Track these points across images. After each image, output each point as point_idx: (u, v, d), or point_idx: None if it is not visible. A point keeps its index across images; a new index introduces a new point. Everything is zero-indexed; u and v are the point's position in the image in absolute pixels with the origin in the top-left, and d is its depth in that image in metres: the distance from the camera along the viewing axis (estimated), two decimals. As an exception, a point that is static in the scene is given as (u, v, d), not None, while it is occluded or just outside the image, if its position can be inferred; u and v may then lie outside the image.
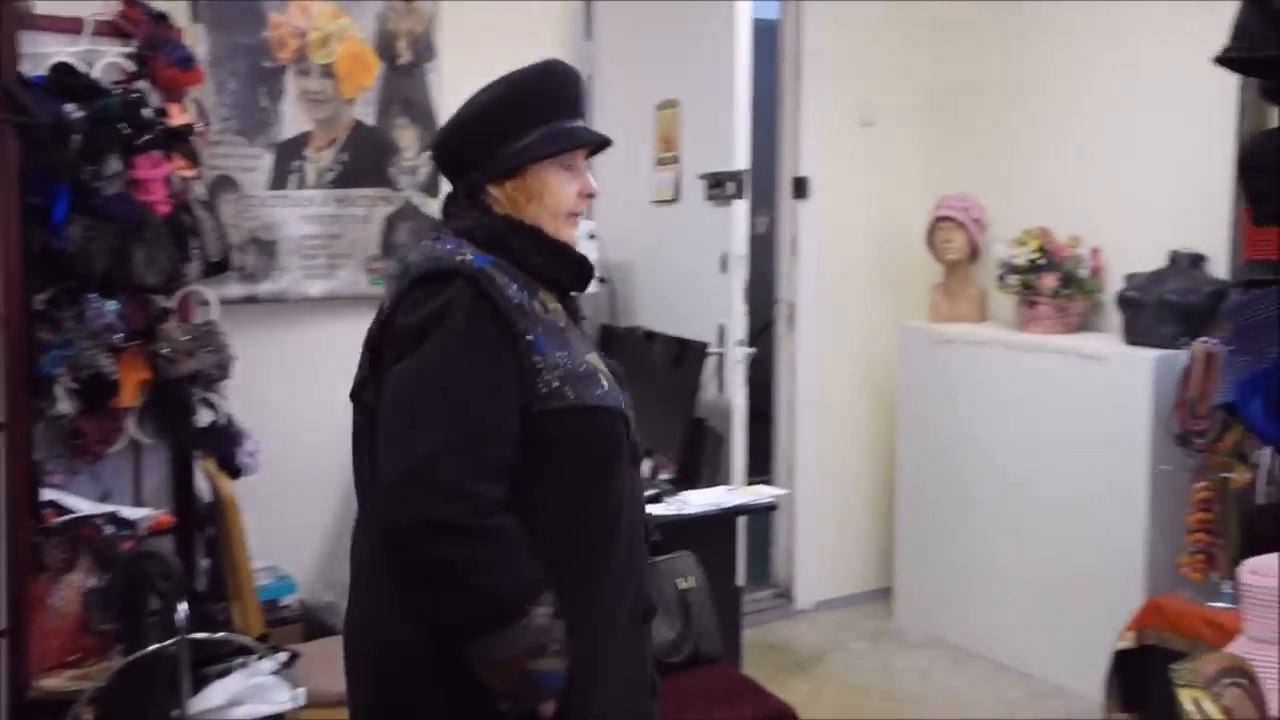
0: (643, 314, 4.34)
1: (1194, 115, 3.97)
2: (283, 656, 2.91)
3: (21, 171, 2.89)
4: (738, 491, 3.73)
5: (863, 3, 4.81)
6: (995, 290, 4.50)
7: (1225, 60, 2.22)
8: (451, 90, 4.03)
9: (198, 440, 3.39)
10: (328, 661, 3.07)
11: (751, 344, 3.99)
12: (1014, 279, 4.30)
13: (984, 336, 4.43)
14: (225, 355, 3.40)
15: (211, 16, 3.68)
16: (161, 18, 3.29)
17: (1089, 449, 3.98)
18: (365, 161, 4.00)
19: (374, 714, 1.77)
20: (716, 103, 3.87)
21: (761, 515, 4.24)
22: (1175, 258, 3.97)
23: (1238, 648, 2.13)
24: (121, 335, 3.13)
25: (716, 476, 3.85)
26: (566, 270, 1.77)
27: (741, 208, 3.84)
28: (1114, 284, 4.17)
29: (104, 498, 3.27)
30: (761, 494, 3.79)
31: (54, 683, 2.82)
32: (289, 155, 3.87)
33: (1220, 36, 2.58)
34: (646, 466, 3.65)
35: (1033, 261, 4.25)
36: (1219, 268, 3.89)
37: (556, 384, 1.65)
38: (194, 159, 3.34)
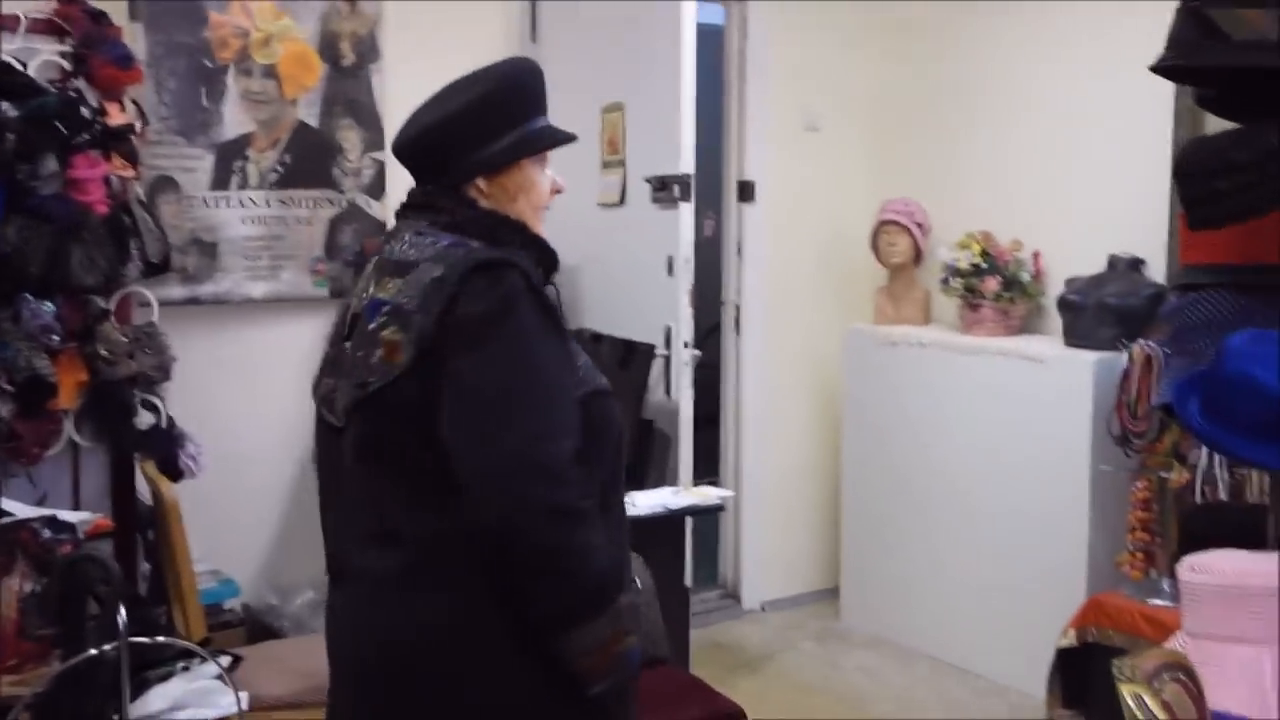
0: (589, 316, 4.34)
1: (1132, 121, 4.03)
2: (225, 661, 2.87)
3: (-45, 171, 2.85)
4: (685, 493, 3.74)
5: (806, 8, 4.84)
6: (939, 293, 4.55)
7: (1161, 69, 2.25)
8: (396, 92, 4.01)
9: (138, 443, 3.34)
10: (270, 665, 3.06)
11: (699, 346, 4.00)
12: (957, 282, 4.35)
13: (928, 339, 4.47)
14: (166, 357, 3.36)
15: (150, 15, 3.64)
16: (99, 16, 3.25)
17: (1031, 450, 4.03)
18: (308, 163, 3.96)
19: None
20: (662, 106, 3.87)
21: (709, 516, 4.25)
22: (1114, 261, 4.03)
23: (1177, 643, 2.16)
24: (59, 337, 3.09)
25: (664, 478, 3.86)
26: (544, 263, 1.79)
27: (687, 211, 3.85)
28: (1055, 287, 4.23)
29: (41, 501, 3.22)
30: (708, 495, 3.80)
31: (-10, 689, 2.77)
32: (231, 156, 3.83)
33: (1157, 45, 2.62)
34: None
35: (975, 265, 4.30)
36: (1157, 271, 3.95)
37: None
38: (133, 159, 3.30)
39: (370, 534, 1.68)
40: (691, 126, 3.84)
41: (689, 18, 3.78)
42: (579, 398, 1.66)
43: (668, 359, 3.90)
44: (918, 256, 4.67)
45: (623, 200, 4.13)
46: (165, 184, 3.74)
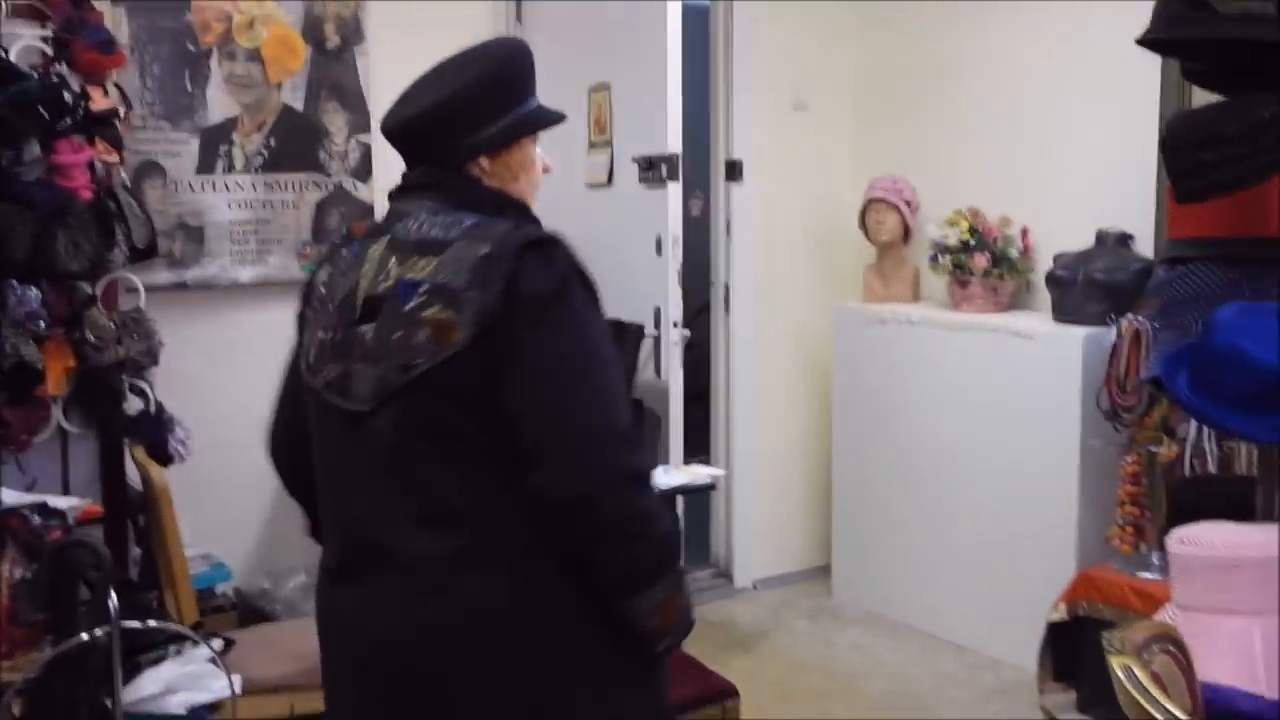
0: (578, 297, 4.32)
1: (1120, 95, 4.03)
2: (217, 644, 2.87)
3: (-62, 157, 2.83)
4: (675, 472, 3.74)
5: (794, -15, 4.83)
6: (928, 270, 4.54)
7: (1147, 42, 2.25)
8: (381, 74, 4.00)
9: (127, 428, 3.34)
10: (263, 648, 3.07)
11: (689, 326, 4.00)
12: (946, 259, 4.35)
13: (917, 316, 4.47)
14: (154, 342, 3.35)
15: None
16: (80, 0, 3.22)
17: (1021, 425, 4.03)
18: (294, 146, 3.95)
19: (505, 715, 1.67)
20: (648, 86, 3.87)
21: (700, 495, 4.26)
22: (1102, 237, 4.03)
23: (1166, 615, 2.17)
24: (46, 323, 3.08)
25: (654, 457, 3.86)
26: None
27: (675, 190, 3.84)
28: (1043, 263, 4.23)
29: (31, 488, 3.21)
30: (699, 474, 3.80)
31: (-17, 675, 2.77)
32: (216, 140, 3.82)
33: (1144, 18, 2.62)
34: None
35: (964, 242, 4.30)
36: (1145, 246, 3.96)
37: None
38: (117, 144, 3.28)
39: (418, 519, 1.65)
40: (678, 106, 3.83)
41: (674, -5, 3.78)
42: None
43: (657, 339, 3.90)
44: (906, 234, 4.67)
45: (610, 180, 4.13)
46: (151, 169, 3.72)
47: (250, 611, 3.74)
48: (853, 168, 4.93)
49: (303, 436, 1.80)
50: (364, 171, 4.06)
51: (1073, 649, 3.41)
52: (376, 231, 1.75)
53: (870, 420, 4.62)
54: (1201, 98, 2.65)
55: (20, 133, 2.99)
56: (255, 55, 3.86)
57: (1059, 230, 4.23)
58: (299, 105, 3.95)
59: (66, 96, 3.10)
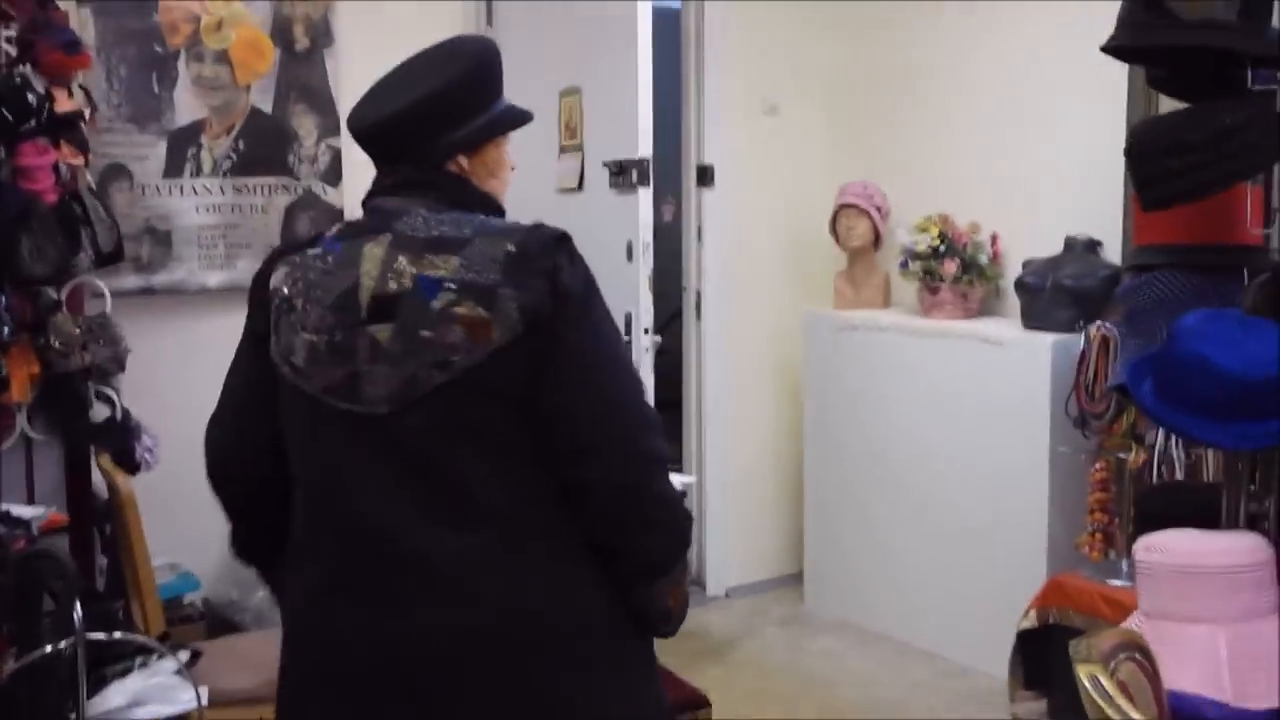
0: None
1: (1088, 102, 4.05)
2: (184, 655, 2.84)
3: (-101, 160, 2.80)
4: (646, 479, 3.72)
5: (765, -9, 4.83)
6: (898, 276, 4.55)
7: (1111, 49, 2.26)
8: (350, 77, 3.97)
9: (93, 435, 3.30)
10: (231, 660, 3.04)
11: (662, 332, 3.99)
12: (916, 265, 4.36)
13: (887, 322, 4.48)
14: (120, 348, 3.31)
15: (99, 0, 3.58)
16: (45, 0, 3.19)
17: (991, 432, 4.05)
18: (263, 149, 3.93)
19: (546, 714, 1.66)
20: (619, 90, 3.85)
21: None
22: (1070, 243, 4.05)
23: (1133, 623, 2.18)
24: (9, 328, 3.04)
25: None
26: None
27: (646, 196, 3.83)
28: (1013, 269, 4.25)
29: (-7, 497, 3.18)
30: (675, 481, 3.78)
31: (-57, 688, 2.73)
32: (184, 143, 3.79)
33: (1111, 26, 2.63)
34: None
35: (934, 248, 4.31)
36: (1114, 252, 3.98)
37: None
38: (83, 147, 3.24)
39: (450, 520, 1.61)
40: (649, 110, 3.81)
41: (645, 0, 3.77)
42: None
43: (629, 345, 3.89)
44: (877, 240, 4.68)
45: (581, 185, 4.11)
46: (117, 172, 3.69)
47: (219, 622, 3.71)
48: (824, 172, 4.94)
49: (266, 446, 1.74)
50: (334, 175, 4.04)
51: (1043, 657, 3.41)
52: (365, 230, 1.69)
53: (841, 427, 4.62)
54: (1168, 105, 2.66)
55: (-17, 135, 2.96)
56: (223, 57, 3.84)
57: (1028, 236, 4.25)
58: (268, 108, 3.93)
59: (30, 98, 3.06)
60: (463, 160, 1.74)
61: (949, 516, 4.22)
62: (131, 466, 3.32)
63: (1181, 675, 1.99)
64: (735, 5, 4.79)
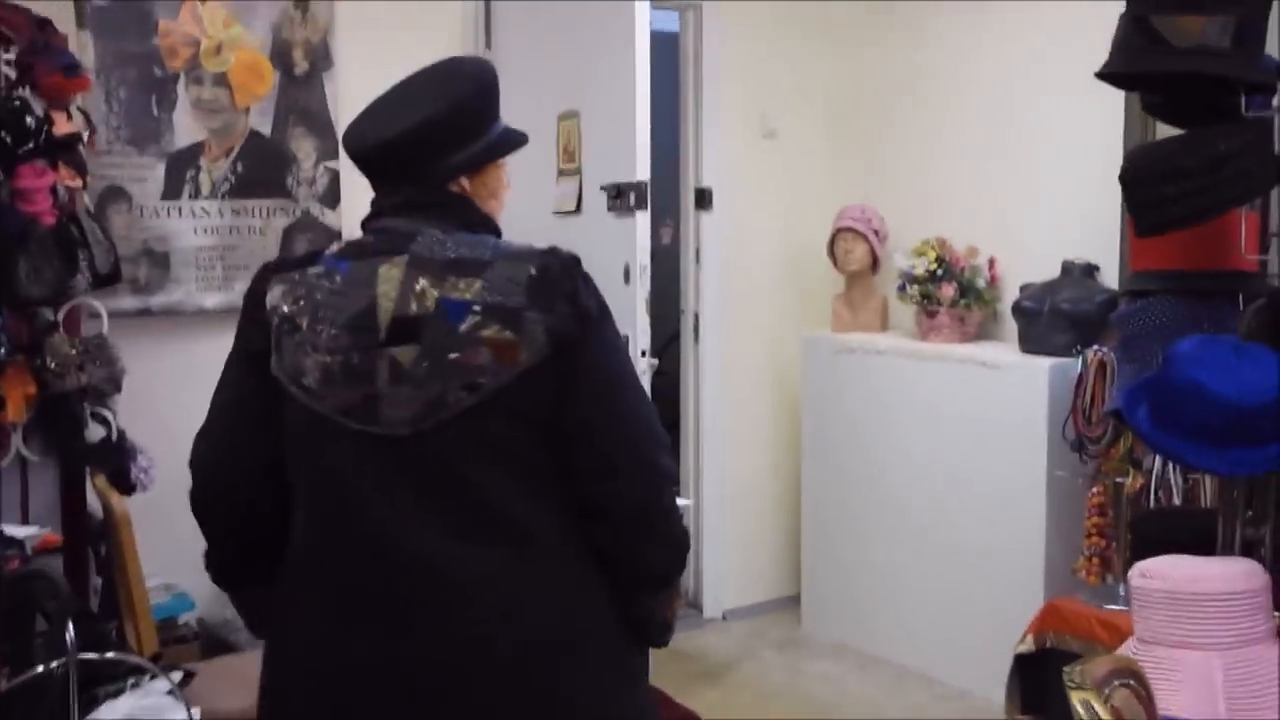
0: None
1: (1084, 127, 4.06)
2: (176, 676, 2.83)
3: (-103, 181, 2.80)
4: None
5: (761, 14, 4.85)
6: (896, 300, 4.56)
7: (1106, 75, 2.27)
8: (349, 100, 3.97)
9: (88, 456, 3.29)
10: (224, 680, 3.03)
11: (660, 355, 3.99)
12: (913, 289, 4.36)
13: (885, 346, 4.48)
14: (116, 369, 3.31)
15: (99, 23, 3.60)
16: (44, 23, 3.20)
17: (988, 456, 4.04)
18: (261, 172, 3.93)
19: None
20: (617, 113, 3.86)
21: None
22: (1068, 267, 4.06)
23: (1128, 649, 2.17)
24: (6, 349, 3.04)
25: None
26: None
27: (643, 219, 3.83)
28: (1010, 294, 4.25)
29: (-11, 517, 3.17)
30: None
31: (-65, 709, 2.72)
32: (182, 165, 3.80)
33: (1108, 51, 2.64)
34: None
35: (931, 272, 4.32)
36: (1111, 277, 3.98)
37: None
38: (81, 169, 3.25)
39: (475, 540, 1.62)
40: (646, 134, 3.82)
41: (643, 24, 3.77)
42: None
43: (626, 366, 3.88)
44: (875, 263, 4.68)
45: (579, 208, 4.11)
46: (116, 194, 3.70)
47: (213, 642, 3.70)
48: (822, 196, 4.95)
49: (258, 465, 1.72)
50: (332, 198, 4.04)
51: (1040, 681, 3.40)
52: (376, 250, 1.68)
53: (839, 450, 4.62)
54: (1165, 131, 2.67)
55: (-18, 157, 2.97)
56: (223, 80, 3.85)
57: (1026, 261, 4.25)
58: (267, 131, 3.94)
59: (29, 120, 3.07)
60: (464, 181, 1.75)
61: (947, 540, 4.21)
62: (126, 487, 3.32)
63: (1177, 701, 1.99)
64: (733, 28, 4.81)
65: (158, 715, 2.75)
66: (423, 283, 1.62)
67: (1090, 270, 4.03)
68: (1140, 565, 2.20)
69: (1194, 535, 2.41)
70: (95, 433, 3.31)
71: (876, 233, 4.66)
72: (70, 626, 2.55)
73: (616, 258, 3.88)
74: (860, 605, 4.57)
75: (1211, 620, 2.05)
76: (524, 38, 4.34)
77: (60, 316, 3.26)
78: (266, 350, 1.70)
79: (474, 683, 1.61)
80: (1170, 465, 3.21)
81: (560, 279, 1.64)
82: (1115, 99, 3.68)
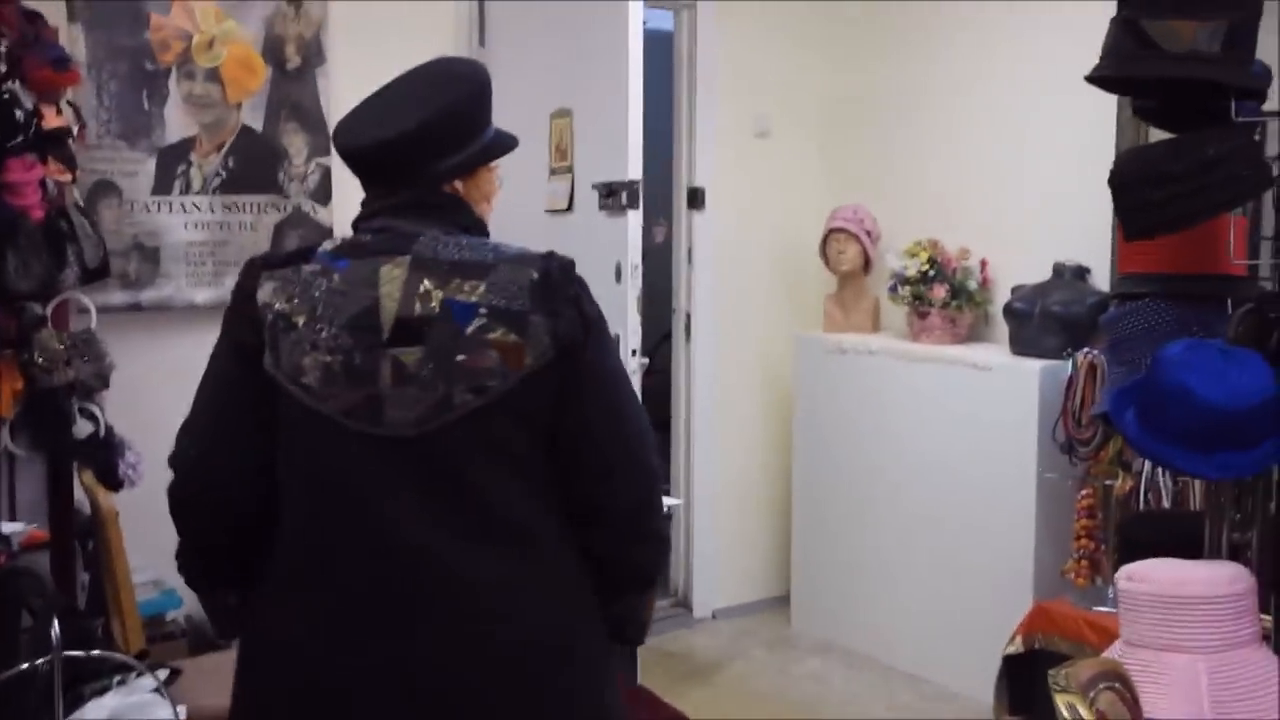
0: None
1: (1077, 129, 4.07)
2: (163, 674, 2.82)
3: (-115, 174, 2.79)
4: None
5: (756, 14, 4.85)
6: (888, 300, 4.56)
7: (1096, 79, 2.26)
8: (342, 96, 3.97)
9: (76, 451, 3.28)
10: (211, 677, 3.01)
11: (653, 354, 3.99)
12: (905, 290, 4.37)
13: (876, 346, 4.48)
14: (104, 364, 3.30)
15: (90, 17, 3.59)
16: (34, 16, 3.18)
17: (978, 457, 4.04)
18: (253, 167, 3.92)
19: None
20: (610, 112, 3.86)
21: (658, 525, 4.23)
22: (1059, 270, 4.06)
23: (1114, 652, 2.17)
24: (-8, 344, 3.03)
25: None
26: None
27: (635, 218, 3.83)
28: (1001, 295, 4.25)
29: (-26, 513, 3.16)
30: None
31: (-81, 706, 2.71)
32: (173, 160, 3.79)
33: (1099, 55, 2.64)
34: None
35: (923, 273, 4.32)
36: (1102, 280, 3.99)
37: None
38: (70, 163, 3.23)
39: (480, 542, 1.62)
40: (639, 133, 3.82)
41: (636, 23, 3.77)
42: None
43: (617, 365, 3.88)
44: (867, 264, 4.69)
45: (570, 207, 4.11)
46: (106, 188, 3.68)
47: (201, 639, 3.68)
48: (815, 196, 4.95)
49: (246, 463, 1.70)
50: (323, 194, 4.03)
51: (1029, 682, 3.40)
52: (377, 250, 1.67)
53: (830, 450, 4.62)
54: (1158, 134, 2.67)
55: (-30, 151, 2.95)
56: (214, 75, 3.84)
57: (1017, 263, 4.26)
58: (258, 126, 3.93)
59: (18, 114, 3.05)
60: (458, 184, 1.75)
61: (936, 541, 4.22)
62: (114, 483, 3.30)
63: (1162, 705, 1.98)
64: (728, 28, 4.81)
65: (143, 713, 2.74)
66: (427, 284, 1.62)
67: (1081, 273, 4.03)
68: (1127, 568, 2.19)
69: (1181, 538, 2.41)
70: (83, 428, 3.29)
71: (869, 233, 4.66)
72: (55, 623, 2.55)
73: (608, 256, 3.88)
74: (850, 605, 4.58)
75: (1197, 624, 2.04)
76: (517, 35, 4.34)
77: (49, 311, 3.25)
78: (257, 346, 1.68)
79: (476, 683, 1.62)
80: (1159, 468, 3.21)
81: (563, 284, 1.66)
82: (1108, 102, 3.68)
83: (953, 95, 4.57)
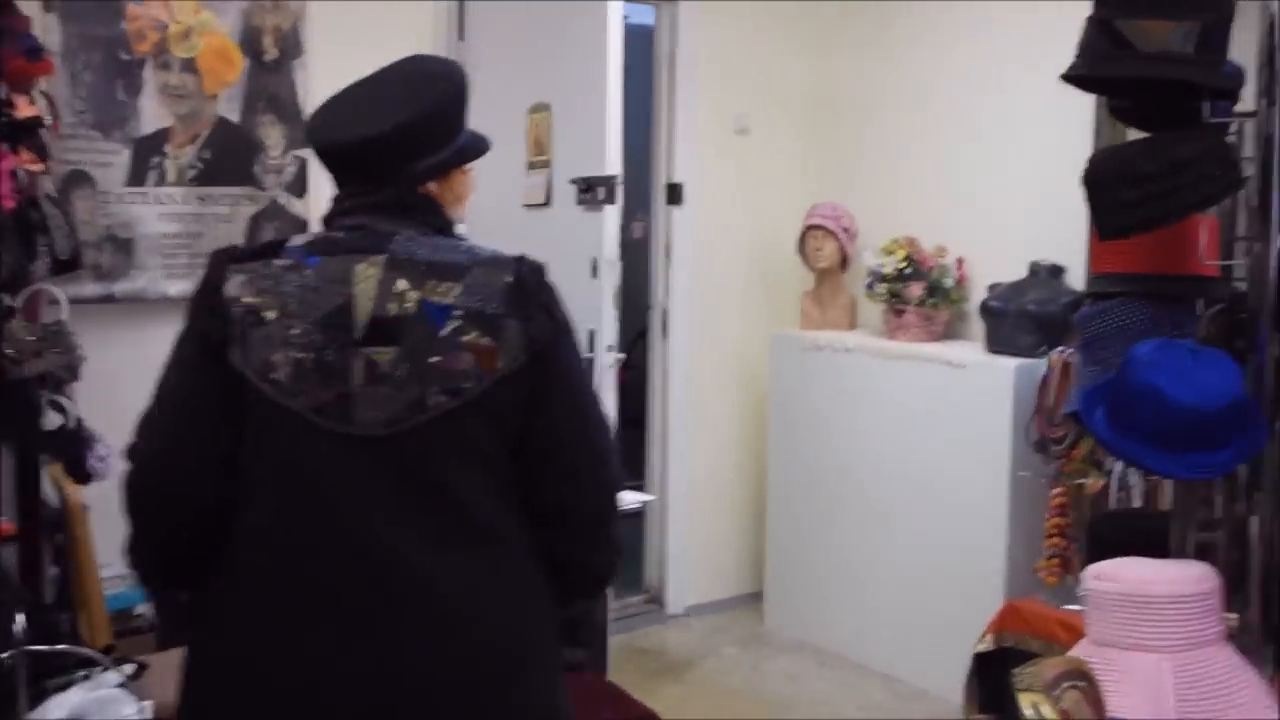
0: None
1: (1053, 128, 4.08)
2: (129, 669, 2.80)
3: None
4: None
5: (737, 10, 4.84)
6: (864, 298, 4.56)
7: (1071, 78, 2.27)
8: (319, 88, 3.94)
9: (44, 444, 3.25)
10: (177, 672, 2.99)
11: (630, 350, 3.98)
12: (882, 287, 4.37)
13: (852, 344, 4.48)
14: (75, 356, 3.26)
15: (65, 6, 3.55)
16: (6, 5, 3.15)
17: (952, 455, 4.06)
18: (229, 159, 3.89)
19: None
20: (589, 107, 3.86)
21: (633, 521, 4.24)
22: (1035, 269, 4.07)
23: (1080, 651, 2.18)
24: (-39, 335, 3.00)
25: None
26: None
27: (612, 213, 3.83)
28: (978, 294, 4.27)
29: (-60, 505, 3.13)
30: (630, 499, 3.78)
31: (-117, 699, 2.69)
32: (148, 151, 3.76)
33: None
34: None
35: (900, 270, 4.32)
36: (1077, 279, 3.99)
37: None
38: (43, 153, 3.20)
39: (448, 543, 1.62)
40: (618, 128, 3.82)
41: (616, 17, 3.77)
42: None
43: (591, 362, 3.88)
44: (844, 261, 4.69)
45: (548, 201, 4.11)
46: (79, 179, 3.65)
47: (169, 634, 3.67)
48: (793, 193, 4.95)
49: (207, 458, 1.66)
50: (299, 187, 4.01)
51: (999, 680, 3.40)
52: (351, 247, 1.65)
53: (805, 447, 4.63)
54: (1135, 133, 2.68)
55: (-61, 141, 2.92)
56: (191, 66, 3.81)
57: (993, 261, 4.27)
58: (235, 118, 3.90)
59: (-11, 104, 3.03)
60: (433, 186, 1.75)
61: (910, 538, 4.23)
62: (83, 476, 3.28)
63: (1127, 703, 1.99)
64: (708, 25, 4.80)
65: (108, 708, 2.72)
66: (402, 284, 1.62)
67: (1057, 271, 4.04)
68: (1094, 568, 2.20)
69: (1149, 538, 2.42)
70: (52, 420, 3.26)
71: (846, 231, 4.66)
72: (19, 617, 2.53)
73: (585, 251, 3.88)
74: (823, 603, 4.58)
75: (1163, 623, 2.05)
76: (497, 29, 4.32)
77: (19, 302, 3.22)
78: (222, 340, 1.65)
79: (440, 685, 1.61)
80: (1131, 467, 3.22)
81: (537, 289, 1.67)
82: (1085, 101, 3.69)
83: (931, 94, 4.57)
